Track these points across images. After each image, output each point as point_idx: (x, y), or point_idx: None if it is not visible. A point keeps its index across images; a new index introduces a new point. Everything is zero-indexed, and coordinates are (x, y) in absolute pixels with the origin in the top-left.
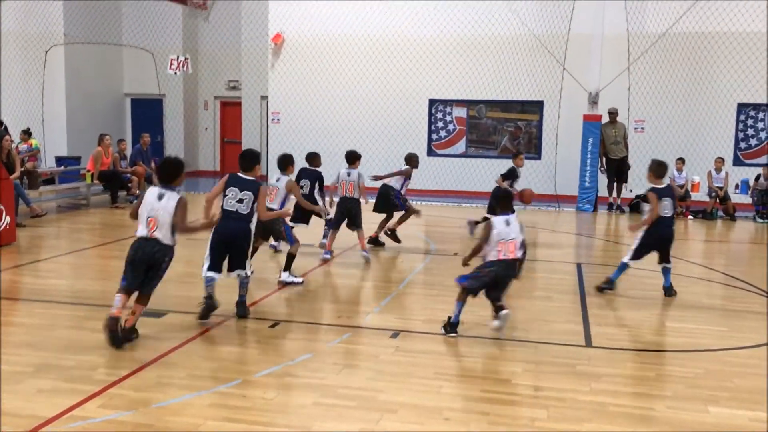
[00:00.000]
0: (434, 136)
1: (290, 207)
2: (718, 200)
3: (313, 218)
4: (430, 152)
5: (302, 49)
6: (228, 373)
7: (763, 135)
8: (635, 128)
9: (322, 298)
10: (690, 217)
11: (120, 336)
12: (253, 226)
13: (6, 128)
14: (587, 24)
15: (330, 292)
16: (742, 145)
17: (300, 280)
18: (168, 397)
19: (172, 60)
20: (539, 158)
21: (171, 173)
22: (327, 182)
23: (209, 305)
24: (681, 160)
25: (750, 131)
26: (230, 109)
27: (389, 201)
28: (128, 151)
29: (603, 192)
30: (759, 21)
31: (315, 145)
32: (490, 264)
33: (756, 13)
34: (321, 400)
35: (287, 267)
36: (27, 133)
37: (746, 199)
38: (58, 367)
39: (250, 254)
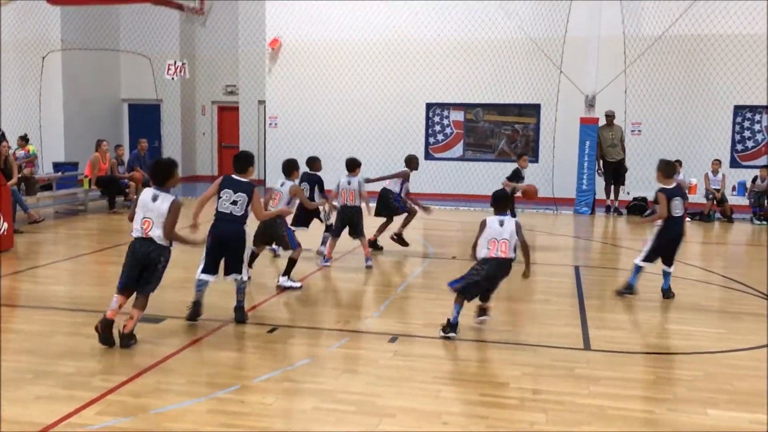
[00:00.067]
0: (432, 140)
1: (293, 209)
2: (715, 202)
3: (314, 222)
4: (428, 156)
5: (299, 54)
6: (226, 378)
7: (759, 137)
8: (632, 131)
9: (320, 303)
10: (687, 219)
11: (111, 337)
12: (249, 229)
13: (3, 134)
14: (583, 27)
15: (329, 296)
16: (739, 147)
17: (298, 284)
18: (166, 403)
19: (169, 65)
20: (536, 161)
21: (163, 174)
22: (326, 186)
23: (195, 311)
24: (678, 162)
25: (746, 133)
26: (227, 114)
27: (389, 204)
28: (126, 157)
29: (600, 194)
30: (755, 23)
31: (312, 150)
32: (483, 262)
33: (752, 15)
34: (320, 405)
35: (287, 272)
36: (24, 139)
37: (743, 201)
38: (56, 373)
39: (248, 259)
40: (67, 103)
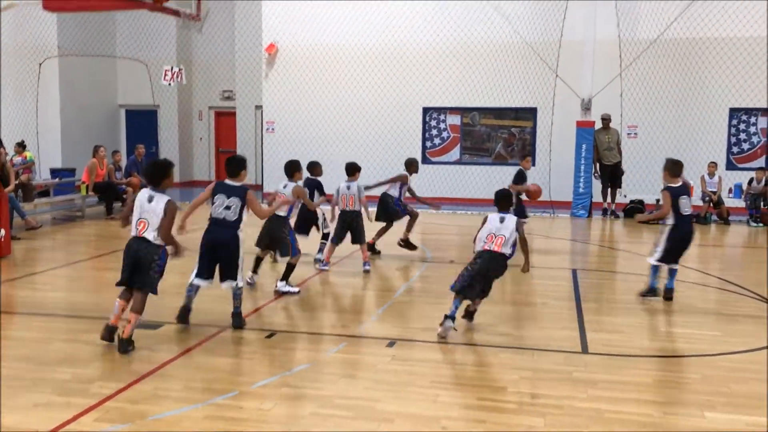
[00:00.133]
0: (428, 144)
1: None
2: (711, 204)
3: (313, 229)
4: (425, 160)
5: (296, 59)
6: (224, 384)
7: (755, 139)
8: (628, 134)
9: (318, 308)
10: None
11: (114, 340)
12: (242, 234)
13: (0, 141)
14: (579, 31)
15: (327, 301)
16: (735, 149)
17: (296, 289)
18: (164, 409)
19: (166, 71)
20: (533, 165)
21: (159, 174)
22: (326, 191)
23: (182, 315)
24: None
25: (742, 135)
26: (225, 119)
27: (389, 209)
28: (123, 163)
29: (597, 197)
30: (750, 26)
31: (310, 154)
32: (478, 255)
33: (747, 18)
34: (318, 411)
35: (285, 276)
36: (21, 146)
37: (740, 203)
38: (54, 380)
39: (252, 264)
40: (64, 109)
